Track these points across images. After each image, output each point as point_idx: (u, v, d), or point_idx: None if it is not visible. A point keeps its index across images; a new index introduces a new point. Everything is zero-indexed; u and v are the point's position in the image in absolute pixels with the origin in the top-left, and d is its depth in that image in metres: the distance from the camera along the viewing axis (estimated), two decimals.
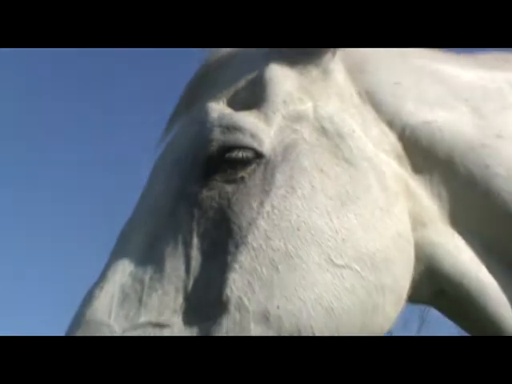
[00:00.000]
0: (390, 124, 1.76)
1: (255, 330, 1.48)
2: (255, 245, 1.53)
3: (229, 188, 1.59)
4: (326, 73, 1.77)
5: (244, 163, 1.61)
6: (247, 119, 1.65)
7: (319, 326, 1.51)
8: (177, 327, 1.50)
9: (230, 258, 1.52)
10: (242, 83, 1.74)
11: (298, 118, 1.68)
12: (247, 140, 1.62)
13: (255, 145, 1.62)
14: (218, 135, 1.63)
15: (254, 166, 1.61)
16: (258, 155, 1.61)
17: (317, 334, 1.51)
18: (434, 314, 1.92)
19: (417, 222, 1.72)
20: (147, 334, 1.50)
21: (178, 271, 1.55)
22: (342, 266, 1.55)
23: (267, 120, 1.66)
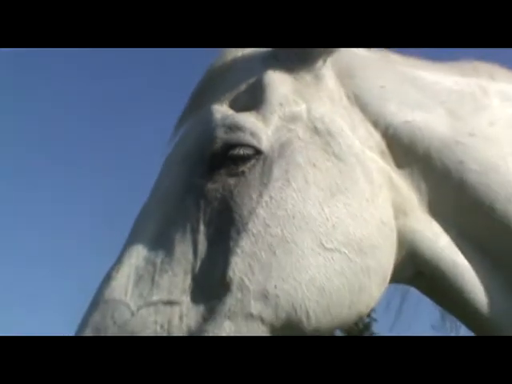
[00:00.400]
0: (375, 124, 1.94)
1: (255, 306, 1.66)
2: (255, 231, 1.70)
3: (231, 181, 1.76)
4: (318, 78, 1.94)
5: (245, 159, 1.78)
6: (247, 119, 1.82)
7: (312, 303, 1.69)
8: (185, 305, 1.67)
9: (232, 243, 1.70)
10: (242, 87, 1.91)
11: (293, 118, 1.85)
12: (247, 138, 1.79)
13: (255, 142, 1.79)
14: (221, 134, 1.81)
15: (253, 161, 1.78)
16: (257, 152, 1.79)
17: (310, 311, 1.69)
18: (414, 293, 2.09)
19: (399, 211, 1.90)
20: (159, 311, 1.67)
21: (187, 255, 1.72)
22: (332, 250, 1.73)
23: (265, 120, 1.83)
